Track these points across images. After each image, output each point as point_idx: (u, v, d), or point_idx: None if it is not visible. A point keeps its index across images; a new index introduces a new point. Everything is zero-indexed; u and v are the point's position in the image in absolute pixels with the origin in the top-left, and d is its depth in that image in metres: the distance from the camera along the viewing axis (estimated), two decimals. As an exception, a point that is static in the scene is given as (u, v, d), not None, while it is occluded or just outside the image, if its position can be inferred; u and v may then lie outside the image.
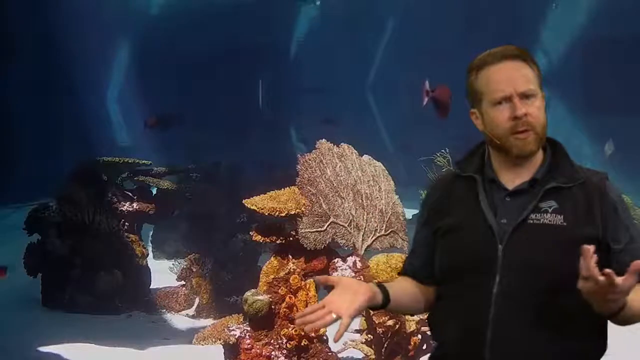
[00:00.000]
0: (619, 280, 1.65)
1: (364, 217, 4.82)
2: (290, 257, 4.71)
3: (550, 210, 1.91)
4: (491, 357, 1.88)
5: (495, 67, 1.96)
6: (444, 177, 2.18)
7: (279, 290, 4.58)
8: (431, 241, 2.09)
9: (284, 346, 4.51)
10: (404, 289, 2.10)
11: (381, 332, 4.36)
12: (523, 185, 1.97)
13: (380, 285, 2.00)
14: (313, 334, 4.48)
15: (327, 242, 4.70)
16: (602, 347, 1.95)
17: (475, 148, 2.12)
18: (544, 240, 1.89)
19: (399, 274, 2.22)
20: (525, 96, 1.92)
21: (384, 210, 4.88)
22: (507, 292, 1.88)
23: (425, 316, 4.15)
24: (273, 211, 4.61)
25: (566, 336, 1.85)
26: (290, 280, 4.57)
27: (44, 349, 5.78)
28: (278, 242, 4.71)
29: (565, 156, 2.02)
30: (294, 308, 4.53)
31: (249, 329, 4.60)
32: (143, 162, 8.36)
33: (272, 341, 4.54)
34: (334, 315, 1.79)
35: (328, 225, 4.71)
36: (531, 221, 1.91)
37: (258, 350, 4.49)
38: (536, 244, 1.89)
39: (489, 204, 1.98)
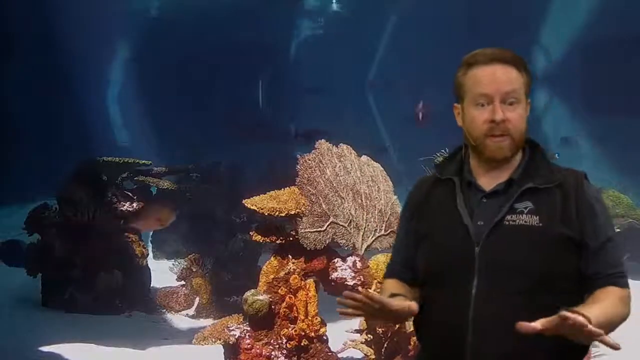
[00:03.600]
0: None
1: (364, 217, 4.83)
2: (290, 257, 4.71)
3: (526, 211, 1.92)
4: (472, 358, 1.89)
5: (483, 67, 1.95)
6: (426, 179, 2.18)
7: (279, 290, 4.58)
8: (411, 243, 2.10)
9: (284, 346, 4.51)
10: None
11: (381, 332, 4.36)
12: (499, 186, 1.98)
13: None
14: (313, 334, 4.48)
15: (327, 242, 4.70)
16: (585, 345, 1.93)
17: (455, 151, 2.13)
18: (520, 241, 1.90)
19: (385, 276, 2.22)
20: (507, 102, 1.93)
21: (383, 210, 4.88)
22: (485, 293, 1.89)
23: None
24: (273, 211, 4.61)
25: (546, 336, 1.81)
26: (290, 280, 4.57)
27: (44, 349, 5.77)
28: (278, 242, 4.71)
29: (543, 158, 2.03)
30: (294, 308, 4.53)
31: (249, 329, 4.60)
32: (143, 162, 8.37)
33: (272, 341, 4.54)
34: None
35: (328, 225, 4.71)
36: (507, 222, 1.92)
37: (258, 350, 4.49)
38: (512, 244, 1.90)
39: (466, 206, 1.99)
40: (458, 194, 2.01)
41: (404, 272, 2.13)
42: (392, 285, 2.14)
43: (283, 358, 4.50)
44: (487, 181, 2.00)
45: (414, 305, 1.92)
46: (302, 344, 4.49)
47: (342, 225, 4.77)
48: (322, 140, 4.95)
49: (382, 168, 5.01)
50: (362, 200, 4.84)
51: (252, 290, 4.65)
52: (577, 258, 1.90)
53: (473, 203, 1.99)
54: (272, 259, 4.79)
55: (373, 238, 4.84)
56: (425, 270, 2.05)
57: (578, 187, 1.95)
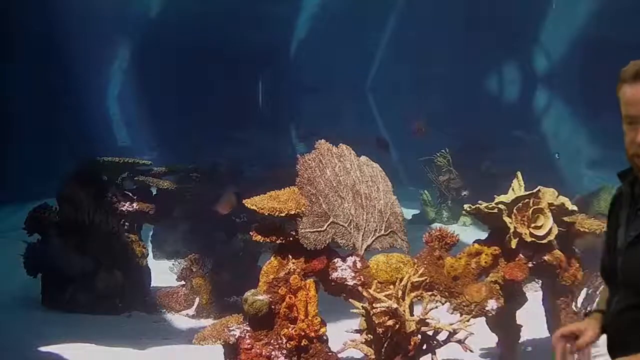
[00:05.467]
0: None
1: (364, 217, 4.82)
2: (290, 257, 4.70)
3: None
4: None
5: (628, 86, 1.90)
6: (621, 185, 2.16)
7: (279, 290, 4.57)
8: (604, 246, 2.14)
9: (284, 346, 4.50)
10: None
11: (381, 332, 4.35)
12: None
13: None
14: (313, 334, 4.48)
15: (327, 242, 4.70)
16: None
17: None
18: None
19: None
20: None
21: (382, 210, 4.88)
22: (618, 306, 1.91)
23: (425, 316, 4.15)
24: (273, 211, 4.60)
25: None
26: (290, 280, 4.57)
27: (44, 349, 5.77)
28: (278, 242, 4.71)
29: None
30: (294, 308, 4.53)
31: (249, 329, 4.59)
32: (143, 162, 8.38)
33: (272, 341, 4.53)
34: None
35: (328, 225, 4.71)
36: None
37: (258, 350, 4.49)
38: (638, 263, 1.86)
39: (628, 216, 1.96)
40: (624, 203, 1.99)
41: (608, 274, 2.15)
42: (606, 289, 2.14)
43: (283, 358, 4.49)
44: None
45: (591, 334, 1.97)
46: (302, 344, 4.48)
47: (342, 225, 4.76)
48: (322, 140, 4.95)
49: (380, 168, 5.01)
50: (362, 200, 4.84)
51: (252, 290, 4.65)
52: None
53: (634, 214, 1.95)
54: (272, 259, 4.78)
55: (373, 238, 4.84)
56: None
57: None
